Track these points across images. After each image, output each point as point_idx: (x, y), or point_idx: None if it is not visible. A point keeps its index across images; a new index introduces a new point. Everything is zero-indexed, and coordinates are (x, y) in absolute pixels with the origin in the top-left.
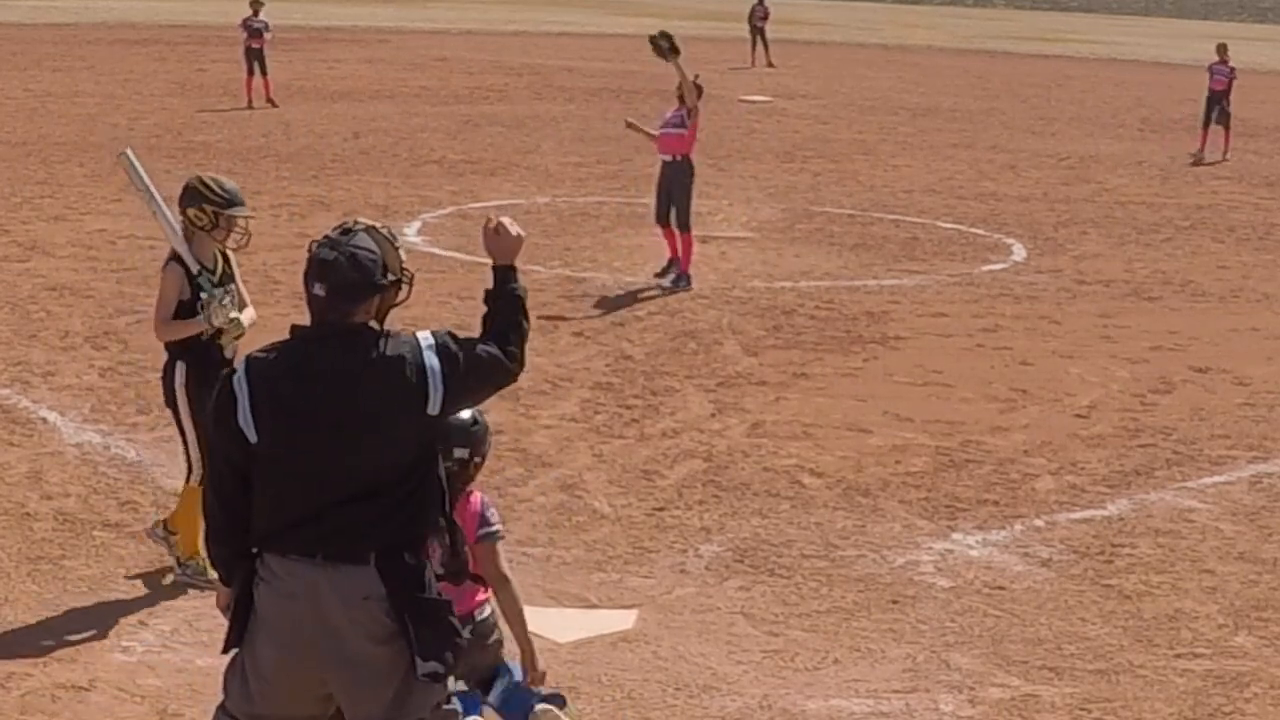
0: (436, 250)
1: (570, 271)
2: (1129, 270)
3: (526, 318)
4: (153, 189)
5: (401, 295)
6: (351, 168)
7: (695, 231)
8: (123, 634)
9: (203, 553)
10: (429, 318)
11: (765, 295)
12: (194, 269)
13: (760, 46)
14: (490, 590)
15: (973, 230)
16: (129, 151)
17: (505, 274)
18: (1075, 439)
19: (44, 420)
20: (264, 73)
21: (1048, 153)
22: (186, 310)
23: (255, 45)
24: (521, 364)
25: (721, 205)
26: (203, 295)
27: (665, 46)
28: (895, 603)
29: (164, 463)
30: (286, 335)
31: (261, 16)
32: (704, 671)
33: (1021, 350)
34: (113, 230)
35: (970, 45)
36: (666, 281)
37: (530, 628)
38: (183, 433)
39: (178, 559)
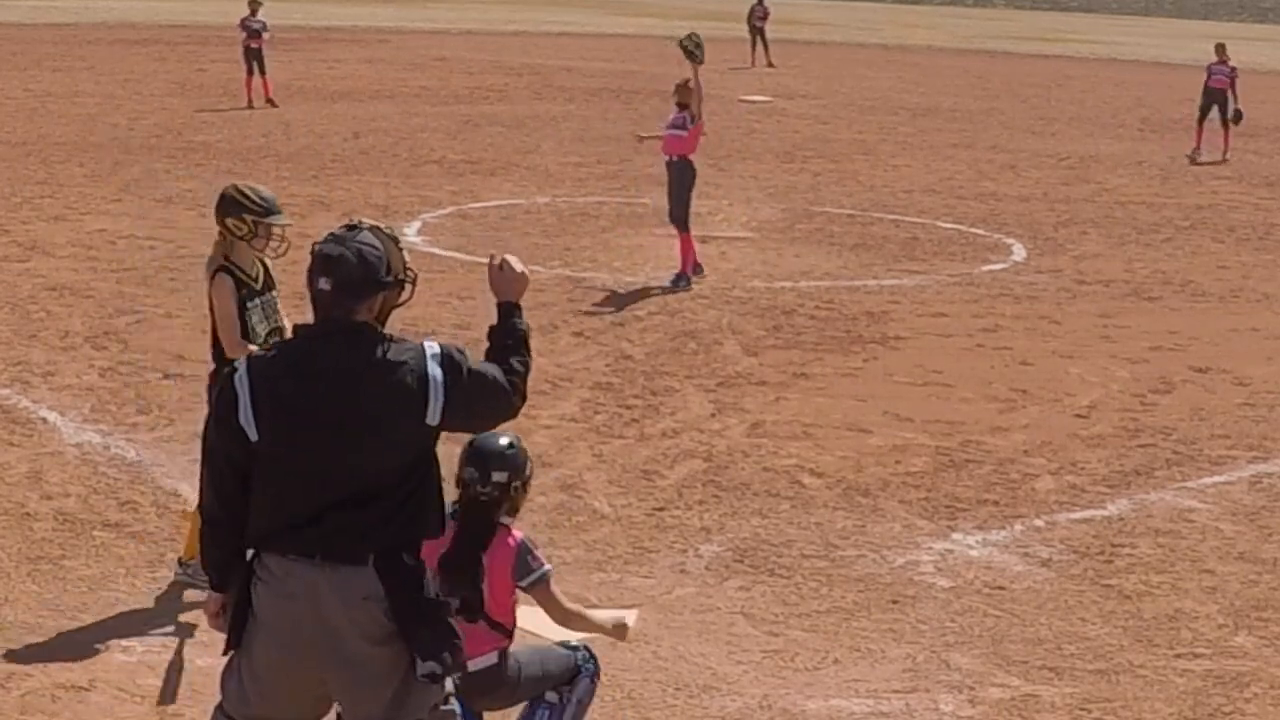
0: (436, 250)
1: (570, 271)
2: (1129, 270)
3: (529, 354)
4: None
5: (404, 296)
6: (351, 168)
7: (695, 231)
8: (123, 634)
9: None
10: (429, 318)
11: (765, 295)
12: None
13: (760, 47)
14: (506, 643)
15: (973, 230)
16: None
17: (509, 310)
18: (1075, 439)
19: (44, 420)
20: (262, 72)
21: (1048, 153)
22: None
23: (254, 45)
24: (523, 397)
25: (721, 205)
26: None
27: (692, 49)
28: (895, 603)
29: (164, 463)
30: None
31: (260, 16)
32: (704, 671)
33: (1021, 350)
34: (113, 230)
35: (970, 45)
36: (671, 281)
37: (529, 626)
38: None
39: (179, 559)
